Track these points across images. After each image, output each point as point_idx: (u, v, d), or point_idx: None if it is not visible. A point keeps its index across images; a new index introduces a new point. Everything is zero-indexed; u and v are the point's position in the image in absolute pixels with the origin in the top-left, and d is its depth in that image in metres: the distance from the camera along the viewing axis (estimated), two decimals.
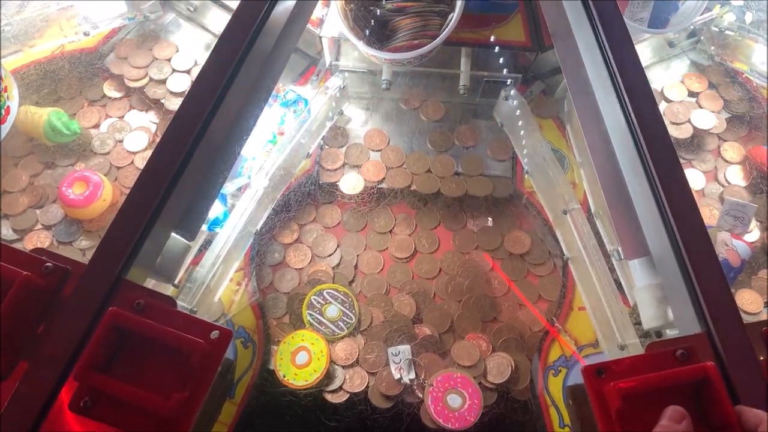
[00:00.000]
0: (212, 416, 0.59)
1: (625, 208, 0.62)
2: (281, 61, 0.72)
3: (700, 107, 1.01)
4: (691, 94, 1.03)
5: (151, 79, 1.01)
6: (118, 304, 0.47)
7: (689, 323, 0.50)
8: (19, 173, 0.93)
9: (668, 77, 1.05)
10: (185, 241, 0.59)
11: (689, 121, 1.00)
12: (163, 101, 0.99)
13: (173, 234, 0.58)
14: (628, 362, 0.46)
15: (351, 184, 0.94)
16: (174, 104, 0.98)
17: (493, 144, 0.97)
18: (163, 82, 1.01)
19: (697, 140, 0.99)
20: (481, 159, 0.96)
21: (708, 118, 1.00)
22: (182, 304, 0.72)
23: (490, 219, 0.94)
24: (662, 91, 1.02)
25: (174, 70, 1.01)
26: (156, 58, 1.02)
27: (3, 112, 0.85)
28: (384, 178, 0.94)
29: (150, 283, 0.57)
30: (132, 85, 1.01)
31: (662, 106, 1.00)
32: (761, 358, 0.46)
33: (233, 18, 0.63)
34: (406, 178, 0.94)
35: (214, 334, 0.47)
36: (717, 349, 0.46)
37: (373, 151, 0.97)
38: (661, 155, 0.57)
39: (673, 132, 0.98)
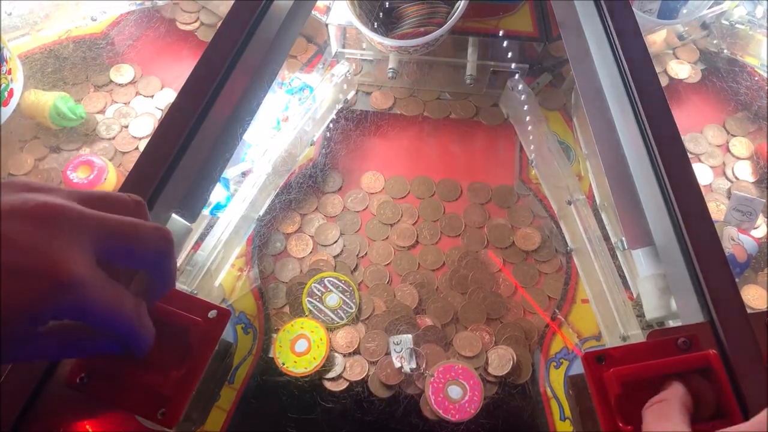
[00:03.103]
0: (211, 399, 0.59)
1: (630, 198, 0.61)
2: (286, 44, 0.72)
3: (677, 58, 1.05)
4: (669, 47, 1.06)
5: (202, 23, 1.07)
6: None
7: (692, 314, 0.50)
8: (25, 157, 0.93)
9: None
10: (186, 222, 0.59)
11: (665, 71, 1.03)
12: None
13: (173, 215, 0.57)
14: (628, 349, 0.46)
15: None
16: None
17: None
18: (214, 26, 1.06)
19: (703, 133, 0.98)
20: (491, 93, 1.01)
21: (683, 69, 1.03)
22: (183, 287, 0.72)
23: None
24: None
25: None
26: (204, 7, 1.08)
27: (6, 94, 0.85)
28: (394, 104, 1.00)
29: None
30: (184, 28, 1.07)
31: None
32: (763, 348, 0.45)
33: (237, 0, 0.63)
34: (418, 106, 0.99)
35: (212, 313, 0.47)
36: (719, 337, 0.46)
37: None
38: (668, 146, 0.57)
39: None
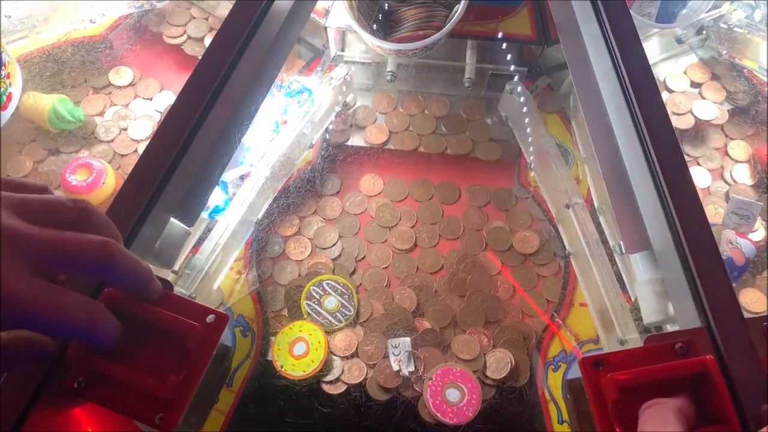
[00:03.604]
0: (209, 402, 0.59)
1: (628, 202, 0.61)
2: (285, 48, 0.72)
3: (703, 98, 1.01)
4: (694, 84, 1.03)
5: (189, 37, 1.05)
6: (116, 287, 0.47)
7: (690, 318, 0.50)
8: (23, 159, 0.93)
9: (672, 69, 1.05)
10: (184, 226, 0.59)
11: (691, 111, 1.00)
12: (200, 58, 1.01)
13: (172, 219, 0.57)
14: (625, 354, 0.46)
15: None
16: None
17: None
18: (201, 40, 1.05)
19: (701, 134, 0.99)
20: (488, 125, 0.99)
21: (710, 108, 1.00)
22: (181, 291, 0.72)
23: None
24: (664, 81, 1.02)
25: (212, 29, 1.05)
26: (194, 17, 1.06)
27: (4, 98, 0.85)
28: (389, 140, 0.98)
29: None
30: (171, 42, 1.05)
31: (664, 96, 1.00)
32: (761, 353, 0.45)
33: (237, 3, 0.63)
34: (413, 141, 0.98)
35: (210, 317, 0.47)
36: (717, 343, 0.46)
37: (380, 113, 1.00)
38: (666, 150, 0.57)
39: (675, 122, 0.98)
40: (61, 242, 0.36)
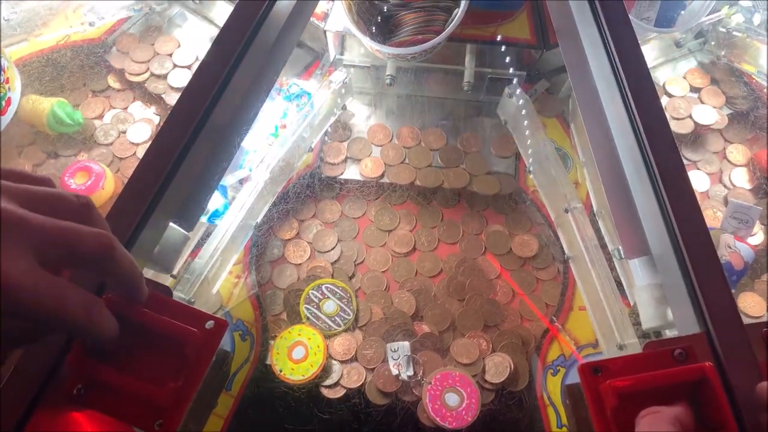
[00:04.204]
0: (208, 407, 0.59)
1: (627, 207, 0.61)
2: (284, 53, 0.72)
3: (702, 103, 1.01)
4: (693, 89, 1.03)
5: (152, 74, 1.01)
6: (113, 292, 0.47)
7: (689, 324, 0.50)
8: (22, 162, 0.93)
9: (671, 73, 1.05)
10: (183, 231, 0.59)
11: (690, 116, 1.00)
12: (163, 96, 0.99)
13: (171, 224, 0.57)
14: (624, 361, 0.46)
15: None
16: (174, 99, 0.97)
17: (496, 141, 0.97)
18: (165, 77, 1.01)
19: (700, 139, 0.99)
20: (485, 158, 0.96)
21: (709, 113, 1.00)
22: (180, 295, 0.72)
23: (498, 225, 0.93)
24: (664, 85, 1.02)
25: (175, 65, 1.01)
26: (157, 53, 1.02)
27: (3, 103, 0.85)
28: (384, 173, 0.95)
29: (148, 273, 0.57)
30: (133, 79, 1.01)
31: (664, 101, 1.00)
32: (760, 360, 0.45)
33: (236, 8, 0.63)
34: (409, 174, 0.94)
35: (209, 324, 0.46)
36: (716, 349, 0.46)
37: (375, 145, 0.97)
38: (664, 155, 0.57)
39: (674, 127, 0.98)
40: (63, 231, 0.35)
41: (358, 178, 0.95)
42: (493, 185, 0.94)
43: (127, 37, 1.04)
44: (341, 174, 0.94)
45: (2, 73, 0.84)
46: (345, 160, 0.95)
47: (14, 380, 0.44)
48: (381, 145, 0.97)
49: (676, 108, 0.99)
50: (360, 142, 0.97)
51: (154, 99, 1.01)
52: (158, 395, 0.43)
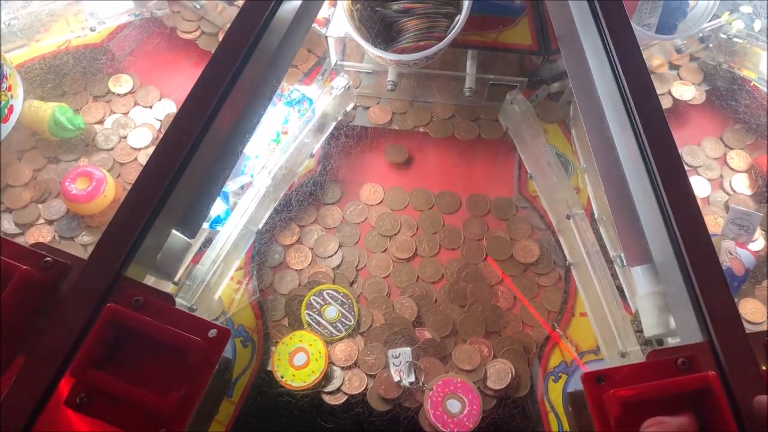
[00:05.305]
0: (210, 415, 0.59)
1: (629, 214, 0.62)
2: (286, 60, 0.72)
3: (680, 79, 1.04)
4: (672, 67, 1.05)
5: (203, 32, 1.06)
6: (116, 301, 0.47)
7: (691, 332, 0.50)
8: (23, 167, 0.93)
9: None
10: (186, 238, 0.59)
11: (669, 92, 1.02)
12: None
13: (174, 231, 0.57)
14: (628, 370, 0.46)
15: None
16: None
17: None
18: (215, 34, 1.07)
19: (701, 144, 0.99)
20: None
21: (687, 90, 1.03)
22: (182, 302, 0.72)
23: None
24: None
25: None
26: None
27: (6, 111, 0.85)
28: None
29: (150, 280, 0.57)
30: (185, 37, 1.06)
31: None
32: (763, 368, 0.45)
33: (239, 16, 0.63)
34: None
35: (212, 332, 0.47)
36: (719, 358, 0.46)
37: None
38: (666, 162, 0.57)
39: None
40: None
41: (368, 125, 0.99)
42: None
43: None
44: (351, 121, 0.98)
45: (5, 80, 0.84)
46: (354, 108, 1.00)
47: (17, 389, 0.44)
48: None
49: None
50: (369, 88, 1.01)
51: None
52: (161, 404, 0.43)
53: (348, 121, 0.99)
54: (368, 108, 1.00)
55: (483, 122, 0.99)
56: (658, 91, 0.96)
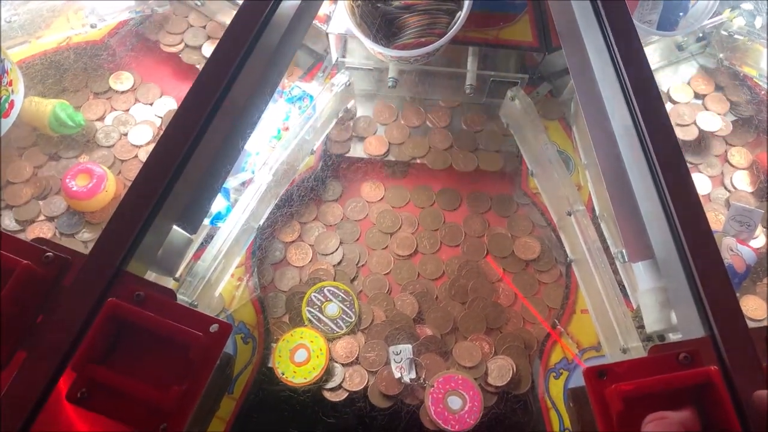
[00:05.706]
0: (211, 410, 0.59)
1: (630, 210, 0.61)
2: (287, 56, 0.72)
3: (706, 109, 1.01)
4: (698, 96, 1.03)
5: (186, 46, 1.05)
6: (117, 296, 0.47)
7: (693, 327, 0.50)
8: (23, 164, 0.93)
9: (675, 79, 1.05)
10: (187, 234, 0.59)
11: (695, 122, 1.00)
12: (198, 67, 1.02)
13: (175, 227, 0.57)
14: (630, 365, 0.46)
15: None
16: None
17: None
18: (198, 48, 1.04)
19: (704, 143, 0.99)
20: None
21: (713, 120, 0.99)
22: (183, 298, 0.72)
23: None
24: (668, 92, 1.02)
25: (209, 37, 1.05)
26: (191, 25, 1.06)
27: (7, 106, 0.85)
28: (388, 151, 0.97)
29: (151, 276, 0.57)
30: (168, 50, 1.04)
31: (668, 107, 1.00)
32: (765, 363, 0.45)
33: (239, 12, 0.63)
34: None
35: (214, 327, 0.47)
36: (720, 353, 0.46)
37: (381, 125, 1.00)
38: (668, 158, 0.57)
39: (679, 133, 0.98)
40: None
41: (363, 156, 0.97)
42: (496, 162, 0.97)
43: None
44: (347, 152, 0.96)
45: (5, 75, 0.84)
46: (351, 138, 0.98)
47: (18, 384, 0.44)
48: (386, 124, 0.99)
49: (680, 115, 0.99)
50: (365, 121, 0.99)
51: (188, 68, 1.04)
52: (162, 399, 0.43)
53: (344, 152, 0.97)
54: (364, 139, 0.98)
55: (481, 153, 0.97)
56: (685, 121, 0.98)
